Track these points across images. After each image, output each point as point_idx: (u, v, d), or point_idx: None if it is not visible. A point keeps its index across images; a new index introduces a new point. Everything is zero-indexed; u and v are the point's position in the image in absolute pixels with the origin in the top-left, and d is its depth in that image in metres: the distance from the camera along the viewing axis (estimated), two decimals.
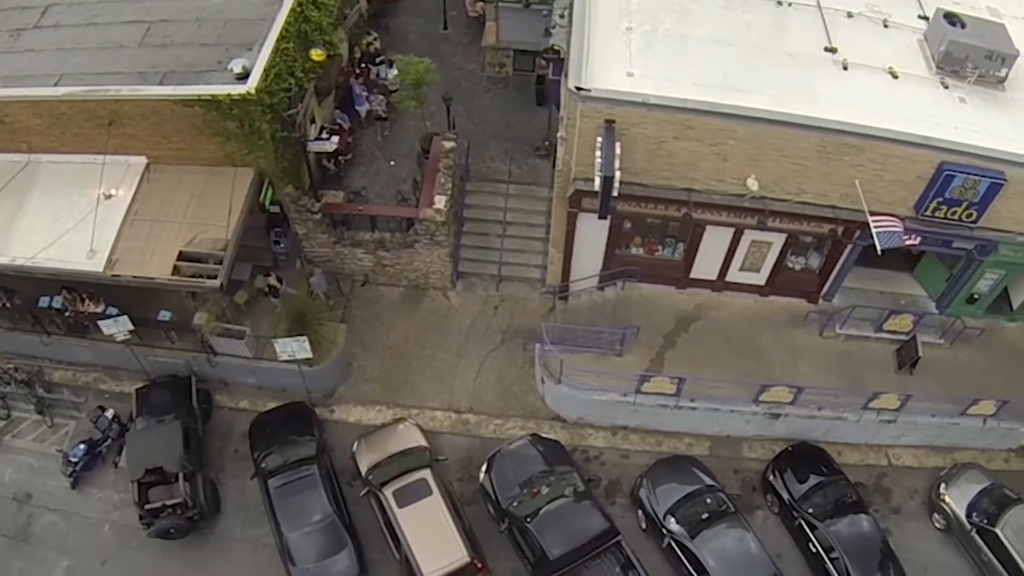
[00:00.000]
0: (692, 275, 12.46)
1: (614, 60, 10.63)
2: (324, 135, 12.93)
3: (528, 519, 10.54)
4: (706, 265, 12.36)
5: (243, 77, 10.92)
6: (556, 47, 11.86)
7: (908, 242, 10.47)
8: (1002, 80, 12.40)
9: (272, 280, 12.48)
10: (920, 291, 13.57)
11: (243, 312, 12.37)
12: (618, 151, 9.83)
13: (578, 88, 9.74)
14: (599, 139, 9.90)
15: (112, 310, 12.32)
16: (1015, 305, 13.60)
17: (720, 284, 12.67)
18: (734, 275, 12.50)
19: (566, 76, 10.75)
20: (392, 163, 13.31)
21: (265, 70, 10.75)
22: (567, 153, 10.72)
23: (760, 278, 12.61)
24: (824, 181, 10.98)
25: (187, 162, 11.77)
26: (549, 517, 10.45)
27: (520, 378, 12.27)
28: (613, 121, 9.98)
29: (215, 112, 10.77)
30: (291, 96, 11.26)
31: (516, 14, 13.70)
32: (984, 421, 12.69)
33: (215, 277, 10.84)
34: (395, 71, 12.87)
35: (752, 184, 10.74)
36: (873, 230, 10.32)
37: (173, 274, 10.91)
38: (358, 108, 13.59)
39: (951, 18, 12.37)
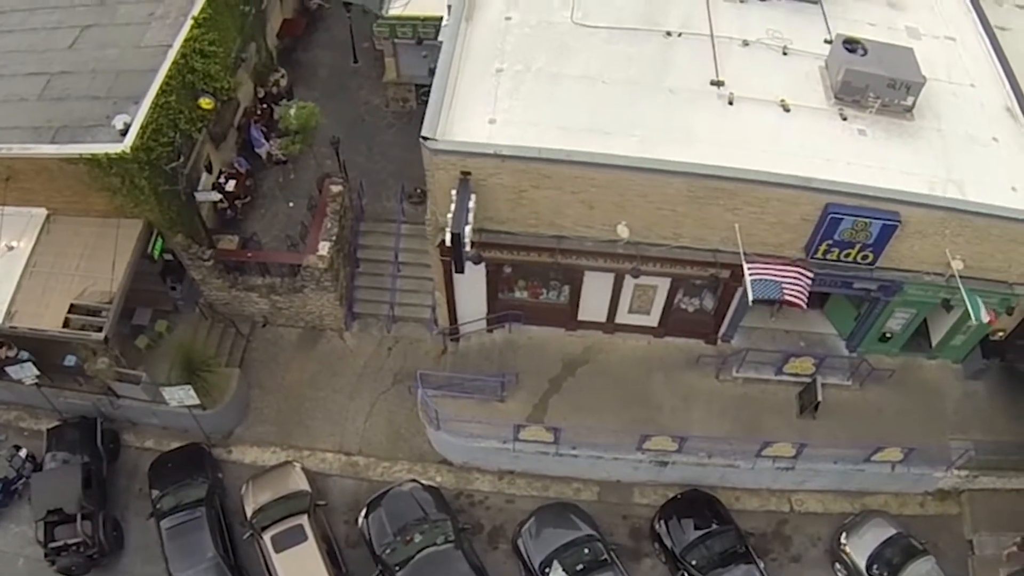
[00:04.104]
0: (580, 317, 12.21)
1: (478, 105, 10.38)
2: (221, 179, 13.26)
3: (398, 567, 10.65)
4: (593, 308, 12.09)
5: (125, 132, 11.24)
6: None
7: (789, 296, 9.93)
8: (909, 109, 11.67)
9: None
10: (830, 329, 12.99)
11: (145, 356, 12.80)
12: (472, 205, 9.65)
13: (424, 138, 9.59)
14: (453, 191, 9.80)
15: (23, 354, 12.99)
16: (934, 342, 12.95)
17: (611, 326, 12.38)
18: (624, 317, 12.20)
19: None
20: (291, 204, 13.41)
21: (142, 127, 10.93)
22: (432, 202, 10.62)
23: (651, 320, 12.27)
24: (700, 226, 10.54)
25: (82, 214, 12.15)
26: (419, 565, 10.53)
27: (409, 420, 12.33)
28: (469, 173, 9.79)
29: (97, 169, 11.08)
30: (173, 149, 11.54)
31: (413, 49, 13.54)
32: (892, 467, 12.17)
33: (101, 330, 11.41)
34: (282, 109, 12.89)
35: (623, 231, 10.38)
36: (747, 278, 9.85)
37: (64, 326, 11.43)
38: (257, 150, 13.69)
39: (851, 44, 11.59)
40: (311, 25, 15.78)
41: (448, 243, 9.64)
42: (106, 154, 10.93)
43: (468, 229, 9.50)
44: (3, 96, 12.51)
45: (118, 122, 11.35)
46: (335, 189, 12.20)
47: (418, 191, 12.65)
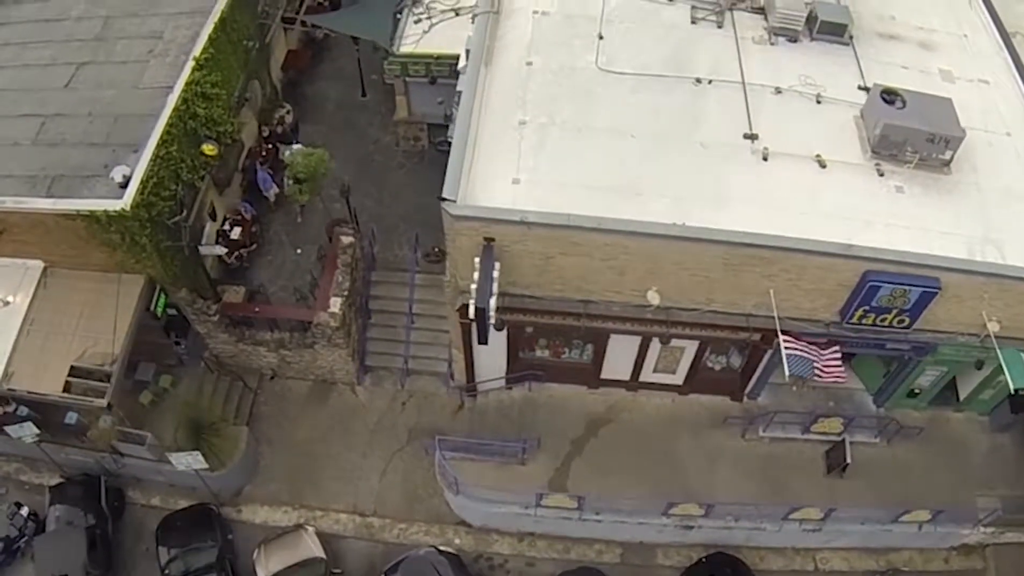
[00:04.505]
0: (603, 376, 11.80)
1: (501, 162, 9.84)
2: (226, 226, 12.68)
3: None
4: (617, 367, 11.67)
5: (125, 185, 10.57)
6: (451, 139, 11.11)
7: (823, 377, 9.57)
8: (947, 163, 11.23)
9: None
10: (858, 385, 12.60)
11: (149, 412, 12.29)
12: (496, 274, 9.17)
13: (443, 199, 9.06)
14: (476, 259, 9.31)
15: (23, 410, 12.47)
16: (962, 396, 12.60)
17: (635, 384, 12.00)
18: (649, 376, 11.80)
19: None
20: (299, 251, 12.85)
21: (142, 181, 10.29)
22: (452, 265, 10.14)
23: (677, 378, 11.87)
24: (734, 291, 10.08)
25: (81, 267, 11.53)
26: None
27: (426, 480, 11.91)
28: (493, 239, 9.30)
29: (96, 226, 10.44)
30: (175, 202, 10.93)
31: (426, 88, 12.93)
32: (920, 526, 11.98)
33: (104, 395, 10.89)
34: (289, 154, 12.15)
35: (653, 297, 9.92)
36: (783, 352, 9.48)
37: (64, 390, 10.91)
38: (265, 193, 13.14)
39: (889, 96, 11.08)
40: (316, 56, 15.08)
41: (472, 315, 9.21)
42: (105, 211, 10.30)
43: (493, 302, 9.10)
44: None
45: (117, 174, 10.70)
46: (346, 240, 11.64)
47: (436, 250, 12.10)
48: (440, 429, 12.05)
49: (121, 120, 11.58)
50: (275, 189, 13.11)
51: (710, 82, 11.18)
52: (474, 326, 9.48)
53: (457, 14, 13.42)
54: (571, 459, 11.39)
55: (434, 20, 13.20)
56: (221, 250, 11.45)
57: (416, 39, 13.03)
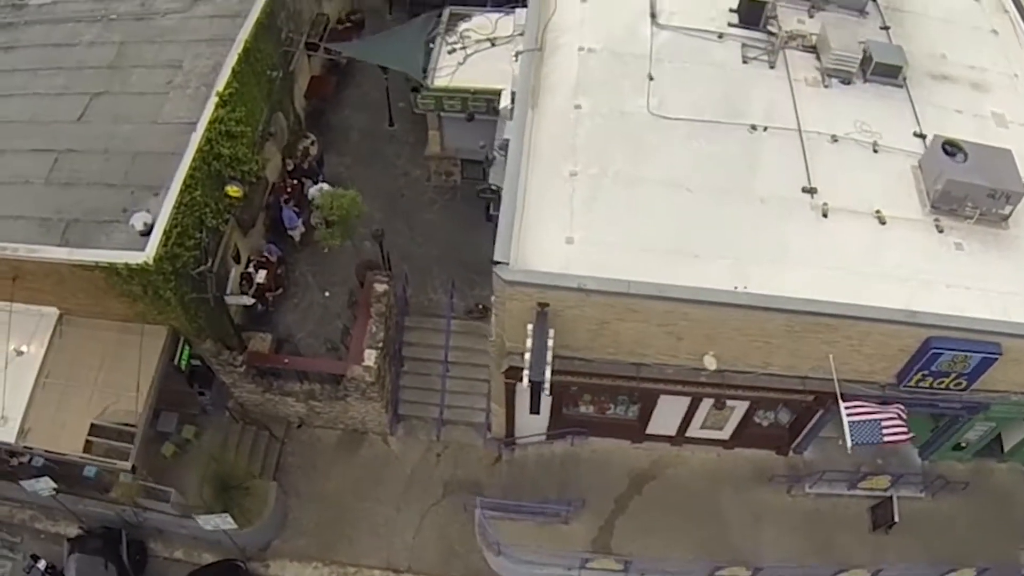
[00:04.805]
0: (648, 431, 11.44)
1: (552, 219, 9.31)
2: (250, 268, 12.04)
3: None
4: (663, 423, 11.30)
5: (146, 233, 9.86)
6: (495, 187, 10.60)
7: (890, 439, 9.28)
8: (1005, 218, 10.87)
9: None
10: None
11: (171, 464, 11.75)
12: (551, 342, 8.77)
13: (496, 262, 8.47)
14: (530, 326, 8.85)
15: (38, 460, 11.88)
16: (1007, 447, 12.35)
17: (679, 439, 11.66)
18: (695, 431, 11.44)
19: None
20: (327, 294, 12.29)
21: (165, 232, 9.61)
22: (499, 326, 9.63)
23: (723, 434, 11.52)
24: (793, 355, 9.67)
25: (98, 316, 10.92)
26: None
27: (463, 536, 11.48)
28: (547, 304, 8.81)
29: (116, 277, 9.79)
30: (200, 251, 10.30)
31: (461, 123, 12.33)
32: None
33: (127, 456, 10.35)
34: (316, 192, 11.72)
35: (710, 363, 9.52)
36: (845, 420, 9.09)
37: (85, 450, 10.32)
38: (290, 232, 12.52)
39: (950, 148, 10.66)
40: (341, 82, 14.31)
41: (526, 388, 8.77)
42: (126, 264, 9.63)
43: (548, 373, 8.67)
44: (6, 176, 10.99)
45: (137, 221, 9.98)
46: (380, 288, 11.08)
47: (479, 306, 11.57)
48: (477, 482, 11.70)
49: (140, 159, 10.86)
50: (301, 228, 12.50)
51: (765, 129, 10.67)
52: (527, 395, 8.96)
53: (493, 44, 12.79)
54: (615, 517, 11.05)
55: (468, 50, 12.55)
56: (248, 300, 10.88)
57: (450, 71, 12.39)
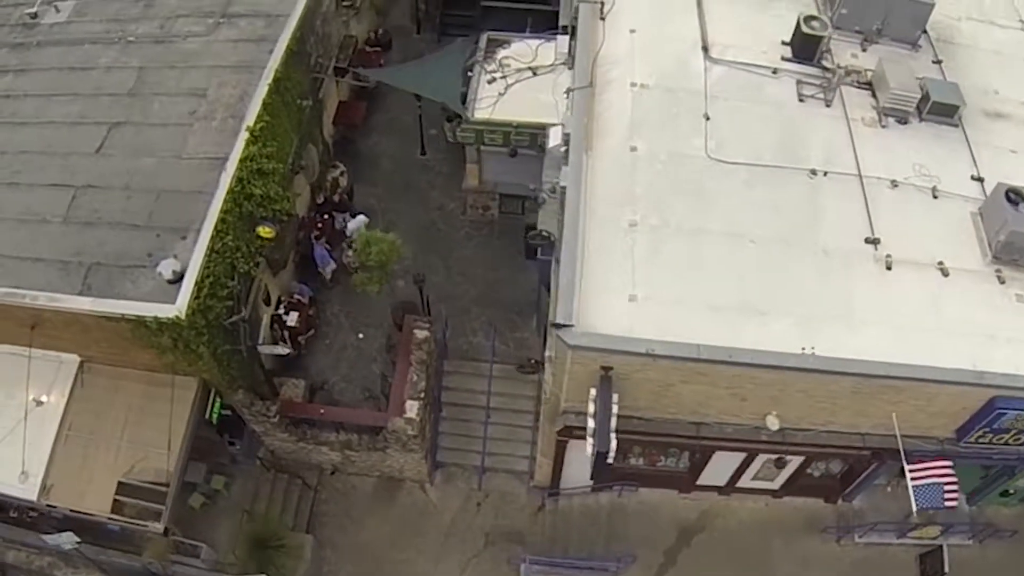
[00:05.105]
0: (698, 482, 11.16)
1: (613, 275, 8.80)
2: (281, 309, 11.44)
3: None
4: (715, 475, 10.99)
5: (175, 282, 9.20)
6: (546, 233, 10.14)
7: (950, 504, 9.06)
8: None
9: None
10: None
11: (200, 516, 11.21)
12: (616, 409, 8.43)
13: (559, 325, 8.01)
14: (592, 390, 8.47)
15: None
16: None
17: (729, 488, 11.36)
18: (745, 482, 11.20)
19: (557, 262, 9.23)
20: (361, 335, 11.73)
21: (197, 283, 8.97)
22: (555, 385, 9.21)
23: (774, 484, 11.26)
24: (855, 415, 9.37)
25: (123, 365, 10.36)
26: None
27: None
28: (611, 368, 8.42)
29: (143, 329, 9.17)
30: (232, 300, 9.65)
31: (502, 157, 11.78)
32: None
33: (159, 517, 9.78)
34: (355, 228, 11.21)
35: (773, 423, 9.17)
36: (910, 485, 8.85)
37: (114, 510, 9.72)
38: (321, 270, 11.90)
39: (1014, 196, 10.33)
40: (370, 107, 13.52)
41: (591, 450, 8.36)
42: (155, 318, 9.00)
43: (614, 442, 8.29)
44: (20, 213, 10.29)
45: (166, 269, 9.29)
46: (420, 335, 10.53)
47: (532, 361, 11.11)
48: (519, 532, 11.30)
49: (164, 197, 10.16)
50: (332, 266, 11.87)
51: (825, 174, 10.19)
52: (584, 455, 8.43)
53: (535, 73, 12.18)
54: (664, 571, 10.78)
55: (509, 80, 11.96)
56: (284, 350, 10.31)
57: (491, 103, 11.77)
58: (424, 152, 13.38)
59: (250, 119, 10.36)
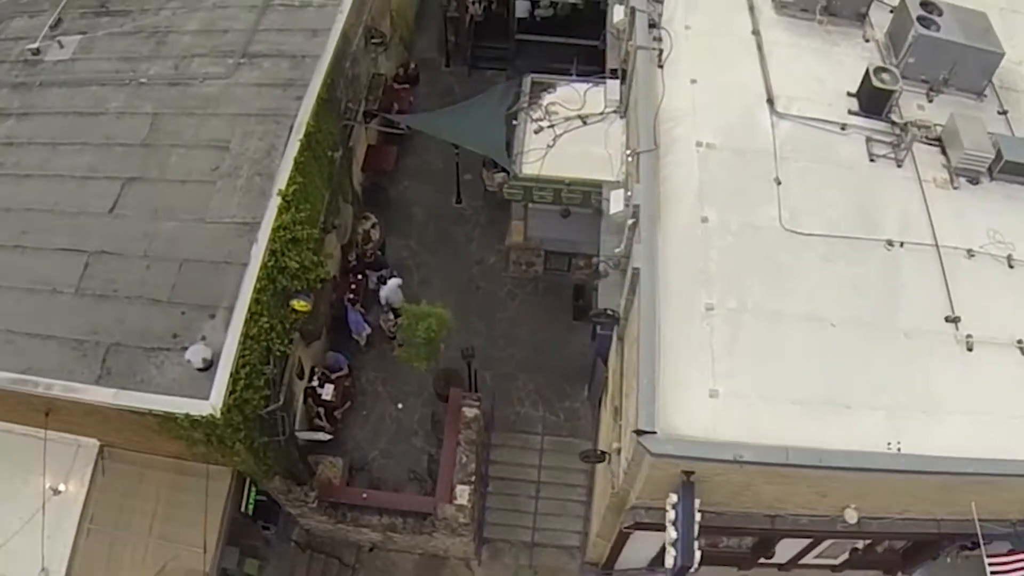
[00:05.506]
0: (760, 560, 10.83)
1: (692, 367, 8.05)
2: (315, 381, 10.59)
3: None
4: (778, 555, 10.50)
5: (205, 369, 8.32)
6: (611, 311, 9.45)
7: None
8: None
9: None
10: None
11: None
12: (698, 517, 7.91)
13: (641, 432, 7.34)
14: (673, 495, 7.91)
15: None
16: None
17: (790, 565, 10.94)
18: (808, 560, 10.82)
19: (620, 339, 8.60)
20: (400, 406, 10.98)
21: (232, 375, 8.10)
22: (626, 482, 8.65)
23: (836, 561, 10.97)
24: (934, 504, 8.97)
25: (148, 452, 9.49)
26: None
27: None
28: (692, 472, 7.85)
29: (173, 424, 8.31)
30: (269, 387, 8.72)
31: (551, 214, 10.96)
32: None
33: None
34: (389, 294, 10.44)
35: (851, 516, 8.66)
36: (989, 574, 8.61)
37: None
38: (356, 336, 11.10)
39: None
40: (401, 150, 12.53)
41: (672, 563, 7.83)
42: (187, 415, 8.10)
43: (698, 554, 7.77)
44: (29, 281, 9.34)
45: (195, 356, 8.39)
46: (470, 413, 9.87)
47: (597, 451, 10.46)
48: None
49: (187, 268, 9.24)
50: (367, 330, 11.07)
51: (902, 245, 9.52)
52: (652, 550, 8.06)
53: (584, 122, 11.29)
54: None
55: (557, 130, 11.11)
56: (325, 436, 9.56)
57: (540, 156, 10.85)
58: (460, 200, 12.51)
59: (281, 181, 9.40)
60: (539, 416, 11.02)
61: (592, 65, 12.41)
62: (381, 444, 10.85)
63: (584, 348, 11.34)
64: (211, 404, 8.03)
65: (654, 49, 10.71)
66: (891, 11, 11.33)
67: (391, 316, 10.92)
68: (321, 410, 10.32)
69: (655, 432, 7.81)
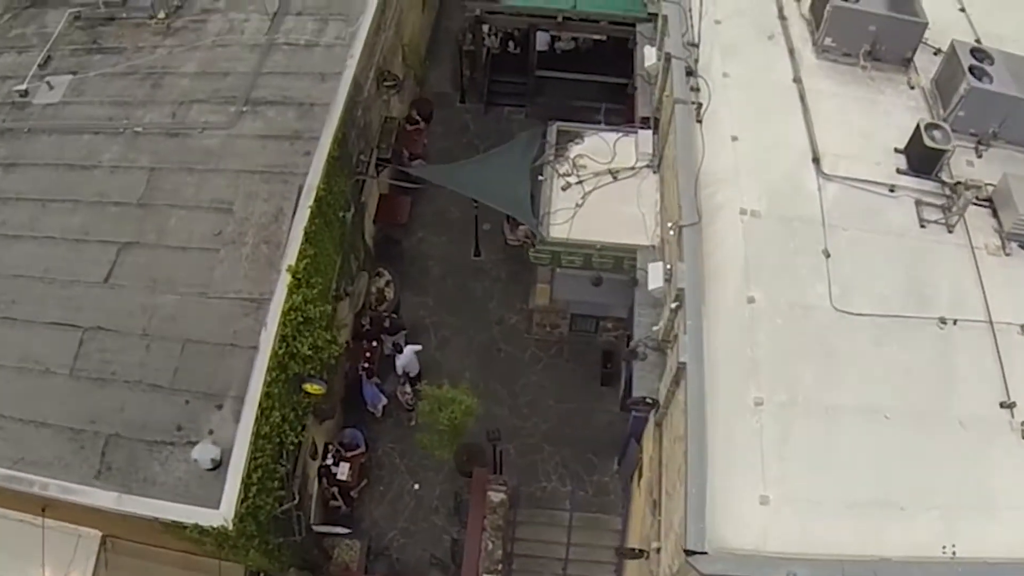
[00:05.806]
0: None
1: (741, 471, 7.49)
2: (329, 460, 9.92)
3: None
4: None
5: (213, 469, 7.65)
6: (650, 399, 8.85)
7: None
8: None
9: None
10: None
11: None
12: None
13: (690, 552, 6.79)
14: None
15: None
16: None
17: None
18: None
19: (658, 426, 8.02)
20: (417, 486, 10.29)
21: (244, 481, 7.43)
22: None
23: None
24: None
25: (154, 545, 8.68)
26: None
27: None
28: None
29: (182, 530, 7.63)
30: (283, 484, 8.08)
31: (579, 278, 10.33)
32: None
33: None
34: (406, 363, 9.78)
35: None
36: None
37: None
38: (371, 409, 10.44)
39: None
40: (415, 197, 11.67)
41: None
42: (196, 525, 7.48)
43: None
44: (19, 359, 8.58)
45: (203, 456, 7.71)
46: (496, 498, 9.27)
47: (636, 550, 9.89)
48: None
49: (190, 349, 8.48)
50: (384, 402, 10.40)
51: (955, 322, 8.99)
52: None
53: (614, 177, 10.65)
54: None
55: (586, 185, 10.38)
56: (345, 531, 8.96)
57: (568, 216, 10.13)
58: (478, 252, 11.73)
59: (290, 254, 8.59)
60: (566, 491, 10.44)
61: (616, 103, 11.68)
62: (400, 523, 10.23)
63: (613, 417, 10.79)
64: (222, 515, 7.33)
65: (692, 103, 10.11)
66: (935, 53, 10.81)
67: (408, 389, 10.28)
68: (336, 489, 9.75)
69: (706, 552, 7.49)
